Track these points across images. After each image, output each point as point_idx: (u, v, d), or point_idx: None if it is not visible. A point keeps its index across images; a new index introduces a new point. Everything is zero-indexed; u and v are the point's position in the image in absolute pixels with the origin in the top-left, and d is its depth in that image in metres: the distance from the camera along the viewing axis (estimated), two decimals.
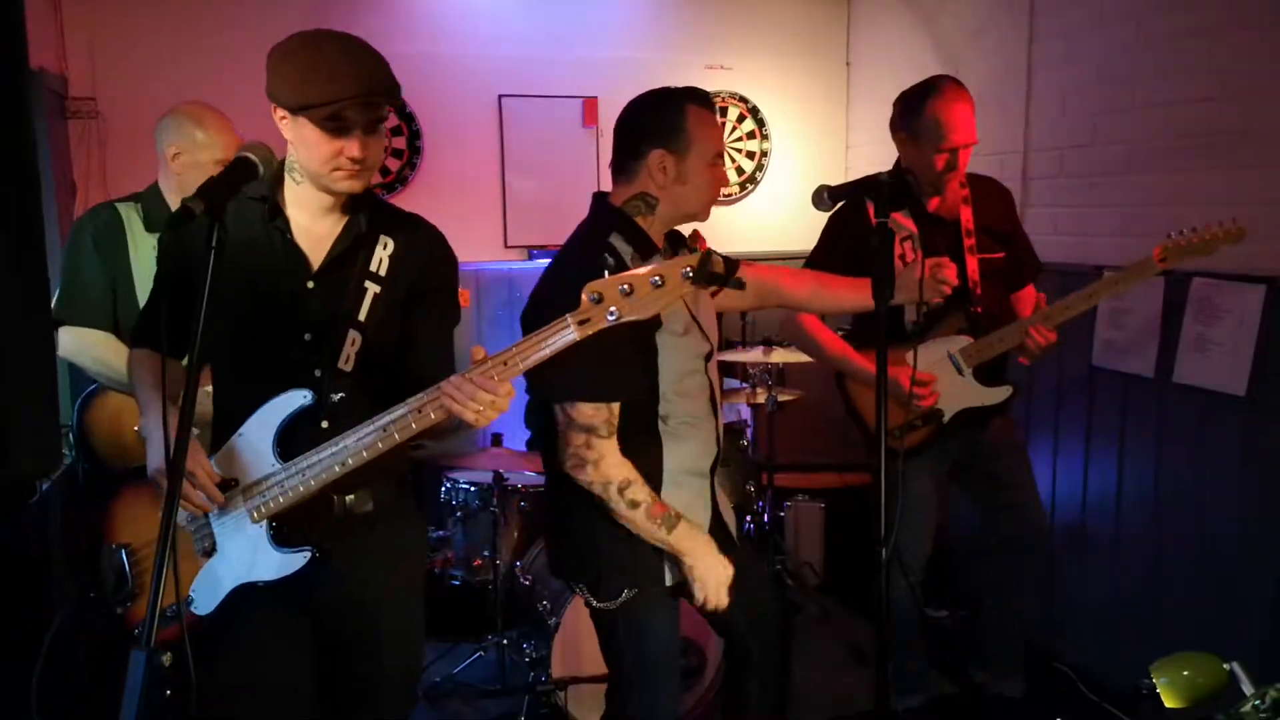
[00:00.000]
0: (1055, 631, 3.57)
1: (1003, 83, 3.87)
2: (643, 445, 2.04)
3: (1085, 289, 2.72)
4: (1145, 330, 3.21)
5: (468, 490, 3.53)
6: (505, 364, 1.59)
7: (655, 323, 1.99)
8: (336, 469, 1.72)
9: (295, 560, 1.78)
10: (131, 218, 2.60)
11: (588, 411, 1.95)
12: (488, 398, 1.58)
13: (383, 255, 1.86)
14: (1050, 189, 3.70)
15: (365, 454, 1.70)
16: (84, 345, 2.50)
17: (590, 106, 4.85)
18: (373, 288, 1.85)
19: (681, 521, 2.02)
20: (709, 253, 1.51)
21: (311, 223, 1.84)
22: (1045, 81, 3.75)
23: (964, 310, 2.81)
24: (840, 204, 2.17)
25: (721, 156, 2.12)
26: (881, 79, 5.00)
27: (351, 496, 1.84)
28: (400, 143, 4.63)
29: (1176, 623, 3.17)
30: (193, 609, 1.80)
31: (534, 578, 3.33)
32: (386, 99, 1.73)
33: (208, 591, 1.81)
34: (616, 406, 1.98)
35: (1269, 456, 2.83)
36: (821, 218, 2.72)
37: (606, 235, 2.04)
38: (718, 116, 2.15)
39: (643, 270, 1.51)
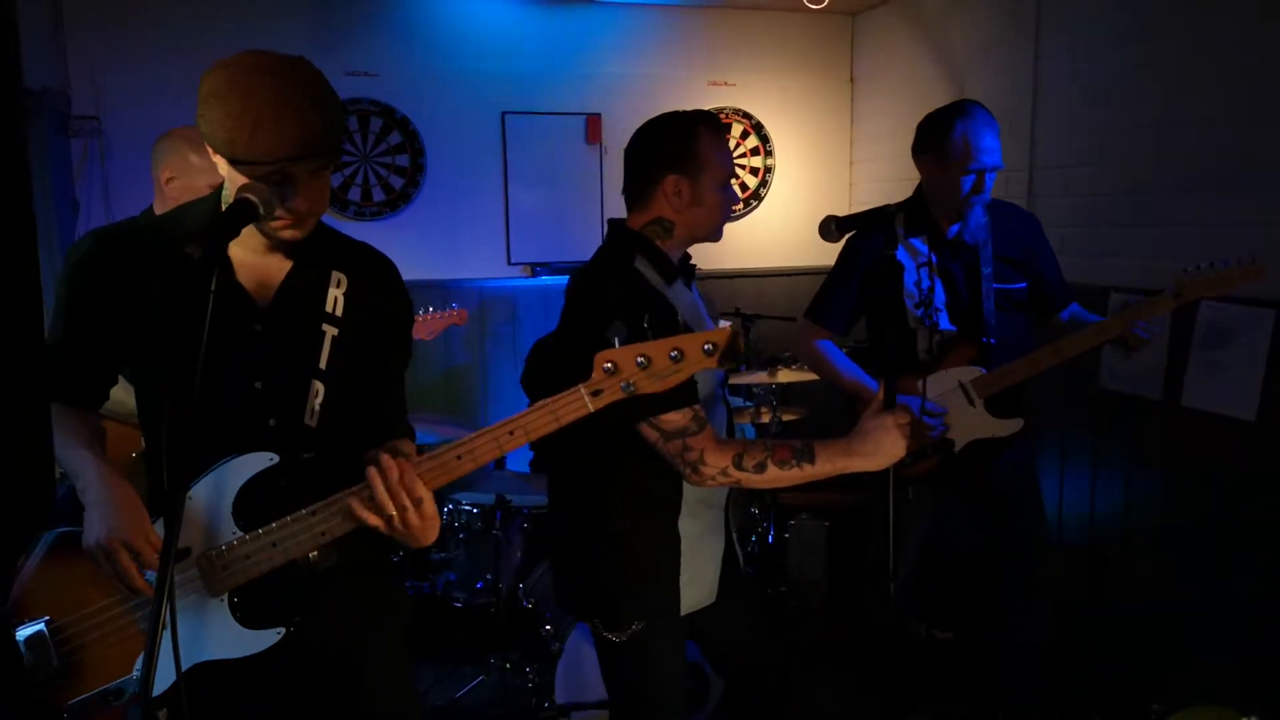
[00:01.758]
0: (1064, 659, 3.53)
1: (1009, 100, 3.86)
2: (663, 473, 2.01)
3: (1095, 325, 2.67)
4: (1153, 353, 3.18)
5: (470, 512, 3.50)
6: (511, 434, 1.48)
7: None
8: (320, 539, 1.56)
9: (265, 638, 1.60)
10: None
11: (674, 419, 1.90)
12: (404, 501, 1.45)
13: (337, 294, 1.69)
14: (1057, 208, 3.68)
15: (350, 523, 1.55)
16: None
17: (593, 123, 4.84)
18: (330, 330, 1.67)
19: (814, 443, 1.91)
20: (735, 334, 1.45)
21: (255, 260, 1.65)
22: (1052, 100, 3.73)
23: (977, 340, 2.77)
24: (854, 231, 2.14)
25: (732, 178, 2.11)
26: (886, 96, 4.98)
27: (314, 553, 1.64)
28: (404, 160, 4.62)
29: (1187, 649, 3.14)
30: (140, 689, 1.57)
31: (537, 601, 3.30)
32: (324, 158, 1.53)
33: (160, 669, 1.61)
34: (699, 405, 1.93)
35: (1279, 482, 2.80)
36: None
37: (632, 260, 2.03)
38: (725, 138, 2.12)
39: (661, 342, 1.45)
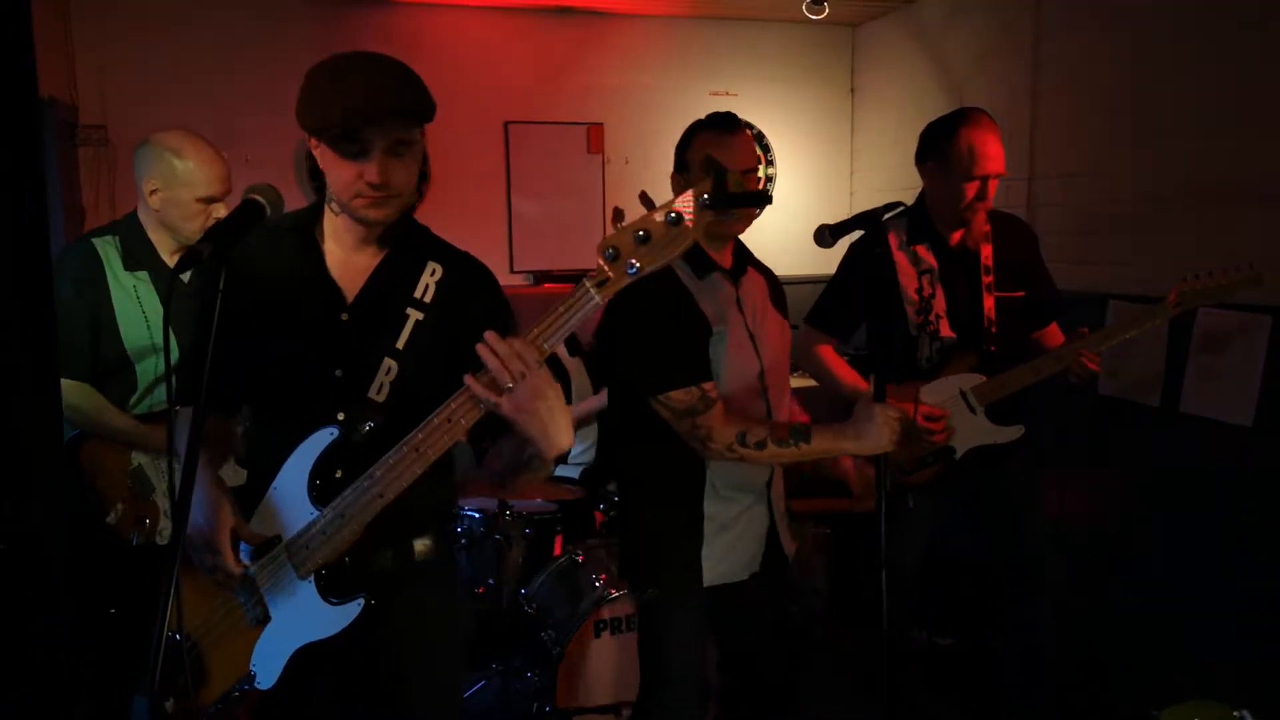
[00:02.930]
0: (1064, 663, 3.54)
1: (1008, 110, 3.88)
2: (683, 449, 2.10)
3: (1095, 334, 2.69)
4: (1151, 359, 3.20)
5: (472, 518, 3.52)
6: (535, 339, 1.45)
7: (706, 328, 2.08)
8: (377, 503, 1.56)
9: (350, 611, 1.63)
10: (109, 254, 2.45)
11: (681, 398, 2.03)
12: (519, 366, 1.39)
13: (429, 281, 1.72)
14: (1055, 216, 3.70)
15: (403, 481, 1.54)
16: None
17: (595, 133, 4.88)
18: (415, 314, 1.69)
19: (812, 426, 2.07)
20: (722, 170, 1.38)
21: (348, 255, 1.71)
22: (1050, 109, 3.76)
23: (978, 348, 2.79)
24: (858, 235, 2.18)
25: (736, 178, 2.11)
26: (886, 106, 5.02)
27: (375, 552, 1.68)
28: None
29: (1185, 654, 3.15)
30: (257, 685, 1.65)
31: (538, 606, 3.31)
32: (399, 118, 1.57)
33: (269, 662, 1.66)
34: (708, 384, 2.05)
35: (1277, 487, 2.82)
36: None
37: None
38: (732, 135, 2.15)
39: (656, 210, 1.37)
